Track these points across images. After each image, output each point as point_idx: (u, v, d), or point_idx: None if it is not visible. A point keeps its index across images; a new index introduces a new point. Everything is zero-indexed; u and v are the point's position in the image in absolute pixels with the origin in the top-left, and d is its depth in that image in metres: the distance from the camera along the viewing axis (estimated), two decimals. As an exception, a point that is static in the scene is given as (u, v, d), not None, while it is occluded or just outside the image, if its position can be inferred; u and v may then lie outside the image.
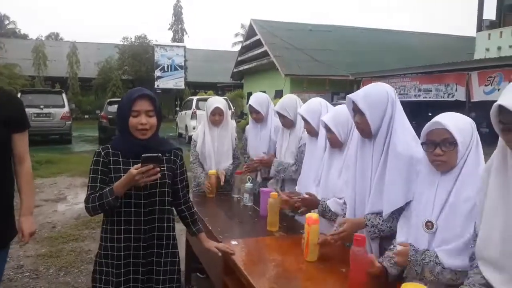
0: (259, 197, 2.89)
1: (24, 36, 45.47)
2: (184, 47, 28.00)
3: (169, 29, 37.41)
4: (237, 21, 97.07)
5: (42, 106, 13.75)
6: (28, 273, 3.79)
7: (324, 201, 2.36)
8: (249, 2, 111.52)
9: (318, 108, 2.72)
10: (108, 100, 17.02)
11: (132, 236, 1.84)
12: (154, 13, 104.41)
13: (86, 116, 26.20)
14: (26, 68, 24.21)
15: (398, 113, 1.96)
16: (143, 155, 1.67)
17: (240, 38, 35.35)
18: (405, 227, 1.80)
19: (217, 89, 29.43)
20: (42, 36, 46.07)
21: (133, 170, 1.68)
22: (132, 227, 1.83)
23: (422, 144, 1.70)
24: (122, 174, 1.75)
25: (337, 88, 19.19)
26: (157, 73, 26.26)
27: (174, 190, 2.00)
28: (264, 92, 4.08)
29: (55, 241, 4.63)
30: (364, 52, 22.03)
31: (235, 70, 27.50)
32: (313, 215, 2.08)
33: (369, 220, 1.96)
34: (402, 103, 2.05)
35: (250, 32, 24.68)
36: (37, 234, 4.82)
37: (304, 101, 2.94)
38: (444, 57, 17.20)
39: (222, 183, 3.38)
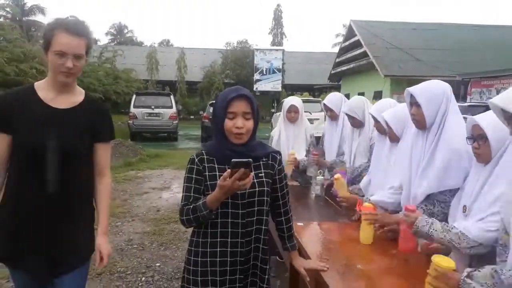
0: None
1: (140, 43, 50.36)
2: (283, 50, 28.69)
3: (269, 33, 38.69)
4: (338, 22, 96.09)
5: (153, 107, 15.28)
6: (136, 246, 4.51)
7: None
8: (352, 3, 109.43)
9: (387, 108, 2.89)
10: (210, 102, 18.25)
11: (229, 250, 1.68)
12: (256, 18, 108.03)
13: (192, 117, 28.13)
14: (141, 72, 26.84)
15: (451, 110, 2.12)
16: (232, 160, 1.51)
17: (341, 39, 35.11)
18: (452, 212, 1.97)
19: (314, 91, 29.59)
20: (155, 43, 50.62)
21: (224, 182, 1.52)
22: (229, 239, 1.68)
23: (466, 138, 1.85)
24: (218, 182, 1.59)
25: (442, 90, 18.08)
26: (256, 76, 27.29)
27: (273, 199, 1.83)
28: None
29: (158, 222, 5.35)
30: (473, 51, 20.52)
31: (332, 72, 27.41)
32: (368, 204, 2.30)
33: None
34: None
35: (349, 33, 24.45)
36: (144, 216, 5.63)
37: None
38: None
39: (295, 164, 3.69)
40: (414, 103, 2.17)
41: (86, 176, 1.91)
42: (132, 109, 15.25)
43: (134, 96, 15.98)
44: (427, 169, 2.10)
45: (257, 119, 1.72)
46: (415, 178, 2.17)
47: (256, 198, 1.70)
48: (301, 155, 3.81)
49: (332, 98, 3.61)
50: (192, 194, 1.70)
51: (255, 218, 1.71)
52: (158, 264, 4.02)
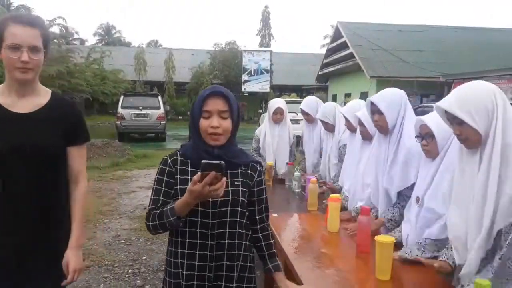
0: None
1: (128, 44, 50.29)
2: (271, 51, 28.94)
3: (257, 34, 39.00)
4: (326, 23, 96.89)
5: (140, 108, 15.39)
6: (123, 241, 4.68)
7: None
8: (341, 4, 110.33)
9: (357, 108, 3.11)
10: (198, 102, 18.38)
11: (197, 263, 1.53)
12: (244, 19, 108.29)
13: (180, 117, 28.18)
14: (129, 73, 26.81)
15: (408, 113, 2.36)
16: (202, 161, 1.37)
17: (329, 40, 35.50)
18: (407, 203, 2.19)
19: (301, 91, 29.90)
20: (143, 44, 50.52)
21: (194, 187, 1.37)
22: (197, 252, 1.53)
23: (415, 137, 2.07)
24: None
25: (426, 90, 18.50)
26: (244, 77, 27.50)
27: (250, 212, 1.66)
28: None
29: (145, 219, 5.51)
30: (456, 52, 20.96)
31: (320, 73, 27.69)
32: (335, 195, 2.52)
33: (384, 216, 2.36)
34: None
35: (337, 34, 24.73)
36: (131, 213, 5.79)
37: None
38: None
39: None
40: (376, 111, 2.38)
41: (57, 183, 1.75)
42: (119, 110, 15.34)
43: (121, 97, 16.07)
44: (392, 170, 2.32)
45: (237, 120, 1.58)
46: (382, 179, 2.39)
47: (229, 208, 1.54)
48: (284, 155, 4.03)
49: (308, 103, 3.85)
50: (161, 198, 1.56)
51: (227, 230, 1.54)
52: (144, 258, 4.20)
